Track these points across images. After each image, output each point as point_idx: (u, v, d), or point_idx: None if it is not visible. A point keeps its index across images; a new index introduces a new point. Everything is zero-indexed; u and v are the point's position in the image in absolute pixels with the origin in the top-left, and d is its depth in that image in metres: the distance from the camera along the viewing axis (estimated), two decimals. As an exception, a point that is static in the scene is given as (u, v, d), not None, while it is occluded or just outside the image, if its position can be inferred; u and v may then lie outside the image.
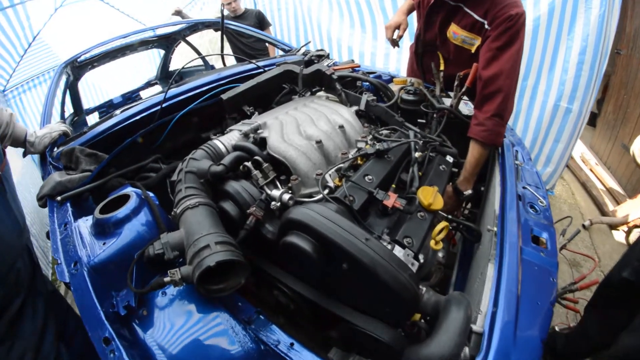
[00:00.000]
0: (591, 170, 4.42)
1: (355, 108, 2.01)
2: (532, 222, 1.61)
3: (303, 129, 1.72)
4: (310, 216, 1.19)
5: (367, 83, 2.34)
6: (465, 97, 2.33)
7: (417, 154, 1.54)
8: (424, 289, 1.22)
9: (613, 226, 3.60)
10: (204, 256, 1.09)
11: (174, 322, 1.16)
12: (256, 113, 2.07)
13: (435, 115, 2.10)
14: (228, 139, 1.73)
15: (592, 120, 4.63)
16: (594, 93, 3.48)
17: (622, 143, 4.15)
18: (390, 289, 1.12)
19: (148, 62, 6.29)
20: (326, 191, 1.44)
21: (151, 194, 1.51)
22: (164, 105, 2.12)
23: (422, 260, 1.28)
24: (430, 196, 1.43)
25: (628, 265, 1.94)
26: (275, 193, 1.45)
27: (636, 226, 3.36)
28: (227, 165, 1.46)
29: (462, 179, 2.02)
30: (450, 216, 1.67)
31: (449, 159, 1.84)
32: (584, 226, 3.63)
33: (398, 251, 1.23)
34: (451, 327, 1.07)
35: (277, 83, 2.32)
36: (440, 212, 1.49)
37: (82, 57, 3.50)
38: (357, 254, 1.11)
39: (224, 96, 2.09)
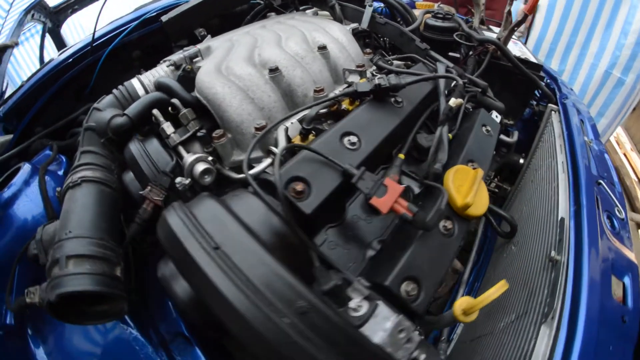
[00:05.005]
0: (625, 155, 3.30)
1: (353, 25, 1.10)
2: (611, 250, 0.74)
3: (258, 52, 0.86)
4: (180, 234, 0.45)
5: (380, 3, 1.38)
6: (515, 36, 1.38)
7: (452, 101, 0.66)
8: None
9: (641, 226, 2.66)
10: (53, 277, 0.61)
11: (67, 338, 0.79)
12: (208, 36, 1.19)
13: (473, 52, 1.17)
14: (152, 76, 0.95)
15: (632, 98, 3.44)
16: (656, 68, 2.37)
17: (665, 133, 3.03)
18: None
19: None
20: (262, 166, 0.63)
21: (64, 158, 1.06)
22: (95, 44, 1.36)
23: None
24: (468, 188, 0.59)
25: None
26: (188, 160, 0.70)
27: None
28: (131, 116, 0.81)
29: None
30: None
31: (495, 116, 0.95)
32: (611, 218, 2.70)
33: (382, 319, 0.44)
34: None
35: (245, -3, 1.38)
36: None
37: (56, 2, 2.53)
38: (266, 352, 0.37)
39: (164, 18, 1.21)
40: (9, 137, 1.20)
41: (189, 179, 0.70)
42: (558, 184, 0.89)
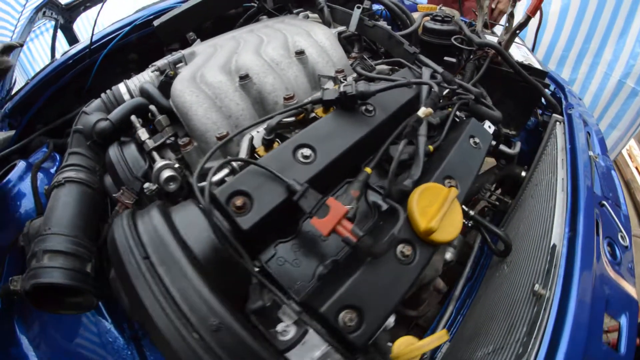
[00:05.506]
0: (637, 169, 3.04)
1: (340, 28, 1.03)
2: (608, 284, 0.63)
3: (236, 59, 0.82)
4: (118, 240, 0.48)
5: (380, 5, 1.31)
6: (518, 39, 1.28)
7: (421, 111, 0.58)
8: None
9: (651, 244, 2.41)
10: (30, 269, 0.65)
11: (50, 325, 0.81)
12: (198, 40, 1.16)
13: (472, 56, 1.08)
14: (138, 81, 0.96)
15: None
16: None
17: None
18: None
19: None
20: (219, 176, 0.58)
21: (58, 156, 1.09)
22: (93, 47, 1.37)
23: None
24: (436, 210, 0.51)
25: None
26: (155, 167, 0.71)
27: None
28: (113, 121, 0.83)
29: None
30: (472, 212, 0.87)
31: (489, 127, 0.86)
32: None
33: (311, 347, 0.43)
34: None
35: (238, 1, 1.34)
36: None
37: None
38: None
39: (156, 22, 1.20)
40: (11, 133, 1.23)
41: (156, 185, 0.70)
42: (555, 203, 0.80)
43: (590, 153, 0.96)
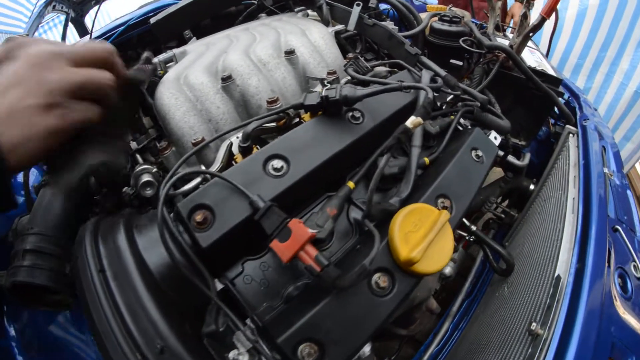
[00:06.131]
0: None
1: (338, 27, 0.96)
2: (615, 324, 0.54)
3: (223, 58, 0.76)
4: (78, 250, 0.48)
5: (387, 5, 1.23)
6: (531, 43, 1.18)
7: (410, 121, 0.50)
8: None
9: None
10: (11, 266, 0.62)
11: (34, 317, 0.79)
12: (194, 38, 1.11)
13: (482, 59, 1.00)
14: None
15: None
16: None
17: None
18: None
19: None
20: (191, 185, 0.54)
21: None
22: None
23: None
24: (421, 237, 0.44)
25: None
26: (135, 170, 0.66)
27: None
28: None
29: None
30: (474, 227, 0.85)
31: (494, 138, 0.78)
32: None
33: None
34: None
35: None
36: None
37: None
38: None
39: (153, 19, 1.15)
40: None
41: (134, 189, 0.65)
42: (564, 226, 0.71)
43: (605, 170, 0.87)
